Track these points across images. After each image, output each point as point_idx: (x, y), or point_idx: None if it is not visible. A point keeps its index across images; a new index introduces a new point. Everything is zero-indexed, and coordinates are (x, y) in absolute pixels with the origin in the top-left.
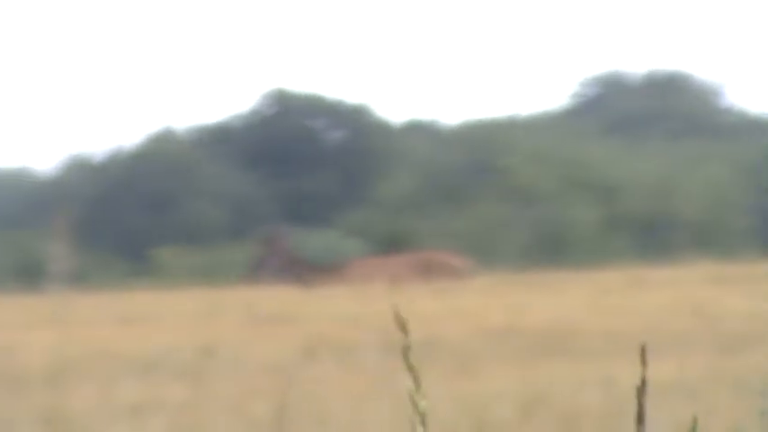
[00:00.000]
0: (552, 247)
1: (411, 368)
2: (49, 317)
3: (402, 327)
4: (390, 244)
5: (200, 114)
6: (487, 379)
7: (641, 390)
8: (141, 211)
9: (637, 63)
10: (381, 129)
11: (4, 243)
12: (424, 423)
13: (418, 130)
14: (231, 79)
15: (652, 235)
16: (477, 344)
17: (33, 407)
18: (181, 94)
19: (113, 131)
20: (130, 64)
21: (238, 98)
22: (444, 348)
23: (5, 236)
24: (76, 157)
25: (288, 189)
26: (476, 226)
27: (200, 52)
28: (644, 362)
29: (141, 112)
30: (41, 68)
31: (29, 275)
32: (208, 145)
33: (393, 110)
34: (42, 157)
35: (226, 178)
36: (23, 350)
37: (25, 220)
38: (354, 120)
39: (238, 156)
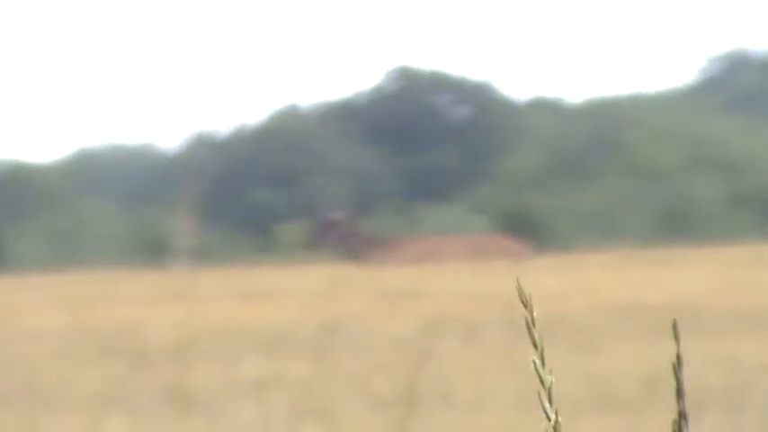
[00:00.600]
0: (676, 224)
1: (535, 343)
2: (174, 293)
3: (524, 301)
4: (513, 220)
5: (324, 91)
6: (612, 355)
7: (677, 366)
8: (265, 187)
9: (762, 41)
10: (505, 106)
11: (129, 219)
12: (550, 398)
13: (542, 108)
14: (356, 56)
15: None
16: (601, 320)
17: (158, 382)
18: (305, 71)
19: (238, 109)
20: (256, 42)
21: (363, 75)
22: (569, 324)
23: (131, 212)
24: (201, 133)
25: (411, 165)
26: (599, 202)
27: (325, 30)
28: (677, 338)
29: (265, 90)
30: (168, 47)
31: (154, 251)
32: (332, 121)
33: (517, 87)
34: (167, 133)
35: (349, 154)
36: (149, 326)
37: (150, 197)
38: (478, 96)
39: (362, 132)
